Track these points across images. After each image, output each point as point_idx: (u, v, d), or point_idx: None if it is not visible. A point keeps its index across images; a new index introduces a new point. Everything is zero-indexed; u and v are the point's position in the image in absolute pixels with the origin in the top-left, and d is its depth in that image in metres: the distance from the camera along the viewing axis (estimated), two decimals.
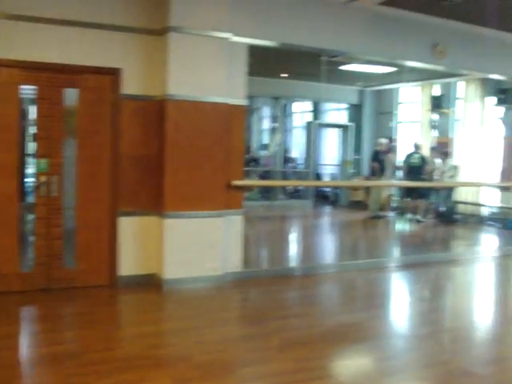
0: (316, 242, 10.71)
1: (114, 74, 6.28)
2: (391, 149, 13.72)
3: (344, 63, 10.86)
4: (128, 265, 6.43)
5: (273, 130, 17.43)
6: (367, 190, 14.00)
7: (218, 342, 4.79)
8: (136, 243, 6.47)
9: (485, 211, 12.92)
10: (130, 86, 6.31)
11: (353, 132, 15.83)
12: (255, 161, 16.50)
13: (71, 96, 6.19)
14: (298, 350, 4.65)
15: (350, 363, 4.65)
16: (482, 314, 6.30)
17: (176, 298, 6.15)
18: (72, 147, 6.23)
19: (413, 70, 9.34)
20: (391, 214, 13.76)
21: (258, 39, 6.92)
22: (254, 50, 6.95)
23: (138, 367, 4.14)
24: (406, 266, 8.26)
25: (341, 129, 16.34)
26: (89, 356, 4.33)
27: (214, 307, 5.92)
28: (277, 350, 4.63)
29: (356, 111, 16.29)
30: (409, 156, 12.85)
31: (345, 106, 17.11)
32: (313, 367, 4.32)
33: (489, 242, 11.62)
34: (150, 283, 6.42)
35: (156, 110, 6.39)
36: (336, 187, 16.06)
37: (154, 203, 6.47)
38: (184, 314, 5.60)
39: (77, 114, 6.25)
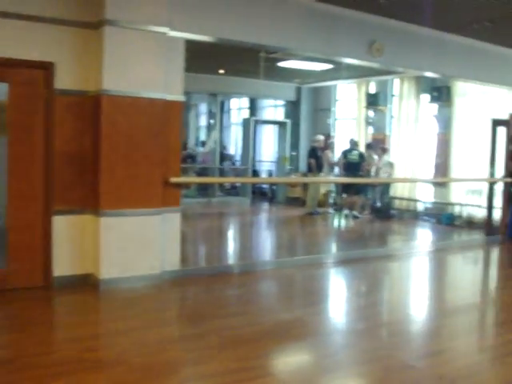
0: (254, 239, 10.71)
1: (46, 68, 6.06)
2: (328, 145, 13.85)
3: (282, 60, 10.90)
4: (63, 265, 6.23)
5: (210, 127, 17.35)
6: (305, 186, 14.08)
7: (156, 343, 4.68)
8: (71, 243, 6.28)
9: (420, 206, 13.21)
10: (64, 80, 6.11)
11: (290, 129, 15.90)
12: (192, 157, 16.39)
13: (1, 91, 5.96)
14: (238, 348, 4.60)
15: (291, 361, 4.63)
16: (418, 308, 6.41)
17: (113, 299, 5.99)
18: (2, 144, 5.99)
19: (350, 67, 9.44)
20: (329, 210, 13.90)
21: (195, 34, 6.81)
22: (190, 46, 6.85)
23: (76, 371, 4.00)
24: (343, 262, 8.32)
25: (278, 125, 16.41)
26: (23, 361, 4.16)
27: (152, 307, 5.81)
28: (217, 350, 4.57)
29: (293, 108, 16.37)
30: (347, 152, 12.99)
31: (282, 102, 17.17)
32: (254, 366, 4.28)
33: (424, 236, 11.88)
34: (87, 284, 6.24)
35: (91, 105, 6.21)
36: (274, 184, 16.10)
37: (90, 201, 6.29)
38: (121, 315, 5.46)
39: (7, 110, 6.01)
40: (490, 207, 10.76)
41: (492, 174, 10.63)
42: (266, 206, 15.74)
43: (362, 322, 5.63)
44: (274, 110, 18.06)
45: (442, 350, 4.87)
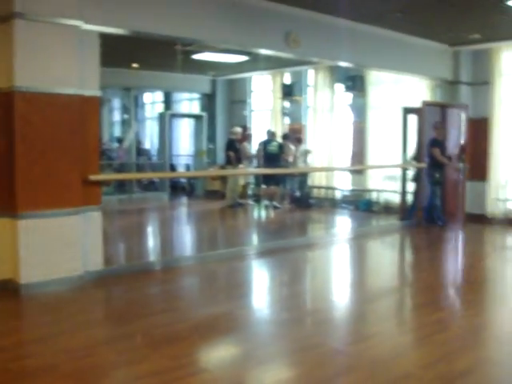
0: (176, 234, 10.62)
1: None
2: (246, 137, 13.87)
3: (197, 52, 10.80)
4: None
5: (124, 122, 17.05)
6: (223, 179, 14.06)
7: (85, 347, 4.52)
8: None
9: (338, 194, 13.46)
10: None
11: (206, 122, 15.87)
12: (107, 154, 16.04)
13: None
14: (170, 346, 4.53)
15: (224, 355, 4.61)
16: (343, 295, 6.52)
17: (35, 304, 5.75)
18: None
19: (265, 58, 9.47)
20: (248, 202, 13.95)
21: (110, 27, 6.62)
22: (101, 39, 6.63)
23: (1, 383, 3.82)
24: (266, 253, 8.36)
25: (194, 119, 16.34)
26: None
27: (76, 310, 5.60)
28: (149, 349, 4.47)
29: (209, 101, 16.30)
30: (266, 144, 13.05)
31: (197, 95, 17.07)
32: (188, 363, 4.22)
33: (343, 224, 12.12)
34: (6, 289, 5.93)
35: (3, 102, 5.91)
36: (192, 177, 16.02)
37: (6, 204, 6.00)
38: (45, 320, 5.25)
39: None
40: (403, 192, 11.08)
41: (404, 161, 10.95)
42: (184, 200, 15.64)
43: (291, 311, 5.66)
44: (189, 103, 17.93)
45: (370, 334, 4.97)
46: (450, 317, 5.47)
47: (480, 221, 10.87)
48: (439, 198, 10.65)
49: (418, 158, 10.78)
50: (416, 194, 10.94)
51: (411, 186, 11.08)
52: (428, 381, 3.90)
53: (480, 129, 10.89)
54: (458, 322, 5.30)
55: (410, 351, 4.65)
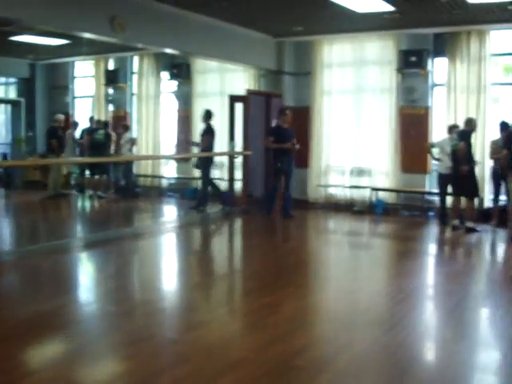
0: None
1: None
2: (71, 125, 13.34)
3: (15, 34, 10.18)
4: None
5: None
6: (45, 168, 13.37)
7: None
8: None
9: (164, 183, 13.39)
10: None
11: (24, 108, 15.11)
12: None
13: None
14: None
15: (54, 354, 4.37)
16: (172, 284, 6.53)
17: None
18: None
19: (87, 42, 9.15)
20: (72, 192, 13.44)
21: None
22: None
23: None
24: (91, 245, 8.13)
25: (10, 104, 15.56)
26: None
27: None
28: None
29: (27, 86, 15.49)
30: (92, 132, 12.64)
31: (14, 80, 16.12)
32: (15, 365, 3.95)
33: (169, 212, 12.09)
34: None
35: None
36: (10, 167, 15.08)
37: None
38: None
39: None
40: (231, 180, 11.23)
41: (232, 148, 11.10)
42: (1, 191, 14.66)
43: (121, 304, 5.53)
44: (4, 88, 16.88)
45: (202, 322, 4.96)
46: (279, 300, 5.61)
47: (303, 206, 11.33)
48: (277, 187, 10.37)
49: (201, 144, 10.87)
50: (204, 181, 10.94)
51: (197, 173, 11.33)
52: (263, 362, 3.99)
53: (302, 117, 11.32)
54: (287, 305, 5.46)
55: (243, 336, 4.74)
